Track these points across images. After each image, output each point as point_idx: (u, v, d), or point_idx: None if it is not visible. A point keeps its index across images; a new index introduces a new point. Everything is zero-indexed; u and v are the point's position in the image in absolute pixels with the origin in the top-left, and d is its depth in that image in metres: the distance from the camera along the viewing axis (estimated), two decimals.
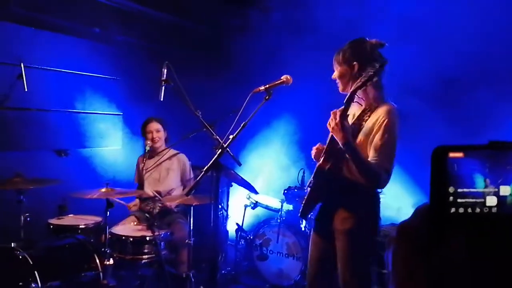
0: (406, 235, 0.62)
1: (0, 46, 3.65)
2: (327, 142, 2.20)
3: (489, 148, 0.60)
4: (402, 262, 0.60)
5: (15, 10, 3.78)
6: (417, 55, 3.69)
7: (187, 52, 5.02)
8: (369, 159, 2.08)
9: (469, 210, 0.61)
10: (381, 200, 2.25)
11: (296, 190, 4.20)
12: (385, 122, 2.06)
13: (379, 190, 2.23)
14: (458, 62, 3.47)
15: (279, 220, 4.01)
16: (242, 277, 4.24)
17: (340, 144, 2.08)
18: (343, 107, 2.07)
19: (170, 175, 3.91)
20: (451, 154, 0.60)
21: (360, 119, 2.18)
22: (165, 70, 2.75)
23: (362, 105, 2.21)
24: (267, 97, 2.36)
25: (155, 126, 3.91)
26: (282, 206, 4.09)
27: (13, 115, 3.73)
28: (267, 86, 2.36)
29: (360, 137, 2.14)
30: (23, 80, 3.26)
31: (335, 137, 2.10)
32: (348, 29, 3.73)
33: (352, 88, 2.07)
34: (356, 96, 2.10)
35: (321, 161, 2.21)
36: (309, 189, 2.32)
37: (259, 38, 4.58)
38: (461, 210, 0.61)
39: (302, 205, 2.35)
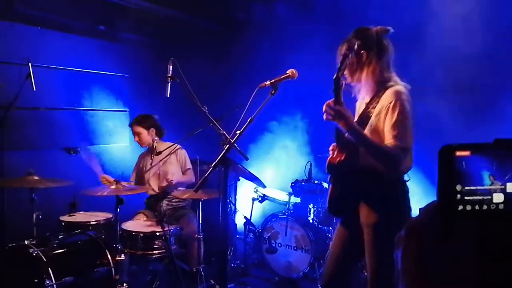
0: (414, 233, 0.63)
1: (8, 47, 3.69)
2: (335, 135, 2.16)
3: (495, 146, 0.61)
4: (412, 260, 0.62)
5: (21, 10, 3.81)
6: (429, 46, 3.68)
7: (193, 48, 5.03)
8: (385, 142, 2.01)
9: (477, 207, 0.62)
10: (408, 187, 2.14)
11: (303, 183, 4.21)
12: (392, 104, 2.01)
13: (405, 178, 2.13)
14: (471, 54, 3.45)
15: (287, 213, 4.03)
16: (252, 270, 4.27)
17: (346, 131, 2.04)
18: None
19: (170, 170, 3.93)
20: (458, 153, 0.61)
21: (368, 107, 2.14)
22: (171, 67, 2.76)
23: (369, 92, 2.15)
24: (273, 92, 2.34)
25: (135, 129, 3.89)
26: (289, 199, 4.11)
27: (23, 115, 3.78)
28: (273, 80, 2.34)
29: (371, 123, 2.10)
30: (32, 80, 3.29)
31: (339, 126, 2.05)
32: (353, 18, 3.72)
33: (334, 75, 2.03)
34: (343, 83, 2.05)
35: (334, 154, 2.17)
36: (330, 185, 2.29)
37: (265, 33, 4.58)
38: (468, 207, 0.62)
39: (328, 202, 2.30)
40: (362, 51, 2.12)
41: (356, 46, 2.07)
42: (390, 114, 2.01)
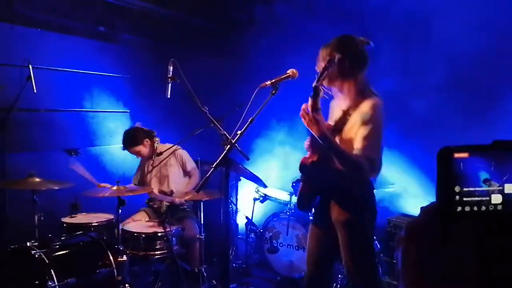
0: (414, 234, 0.64)
1: (9, 48, 3.70)
2: (310, 135, 2.24)
3: (493, 148, 0.61)
4: (411, 261, 0.62)
5: (21, 11, 3.81)
6: (429, 44, 3.67)
7: (193, 49, 5.03)
8: (353, 151, 2.12)
9: (475, 208, 0.62)
10: (375, 190, 2.32)
11: None
12: (369, 116, 2.11)
13: (373, 179, 2.28)
14: (473, 53, 3.44)
15: (288, 213, 4.04)
16: (253, 270, 4.28)
17: (316, 137, 2.12)
18: (310, 101, 2.12)
19: (171, 172, 3.92)
20: (456, 155, 0.61)
21: (345, 114, 2.23)
22: (171, 67, 2.77)
23: (347, 100, 2.25)
24: (273, 92, 2.35)
25: (132, 151, 3.86)
26: (290, 198, 4.11)
27: (24, 116, 3.78)
28: (273, 80, 2.35)
29: (346, 130, 2.20)
30: (32, 82, 3.30)
31: (311, 131, 2.14)
32: (354, 18, 3.72)
33: (314, 83, 2.11)
34: (322, 89, 2.14)
35: (307, 154, 2.29)
36: (301, 182, 2.41)
37: (265, 33, 4.57)
38: (467, 208, 0.62)
39: (297, 198, 2.45)
40: (344, 61, 2.17)
41: (336, 59, 2.14)
42: (364, 126, 2.11)
